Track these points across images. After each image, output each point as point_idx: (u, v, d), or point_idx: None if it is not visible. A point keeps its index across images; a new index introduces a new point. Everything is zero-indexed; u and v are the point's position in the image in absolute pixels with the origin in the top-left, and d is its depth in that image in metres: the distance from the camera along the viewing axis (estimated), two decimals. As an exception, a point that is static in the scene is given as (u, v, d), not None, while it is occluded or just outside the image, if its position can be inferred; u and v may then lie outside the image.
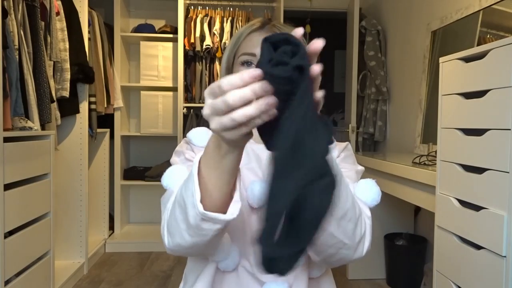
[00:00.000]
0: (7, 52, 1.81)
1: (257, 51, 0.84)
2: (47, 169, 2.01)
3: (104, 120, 3.27)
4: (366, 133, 3.26)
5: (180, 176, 0.75)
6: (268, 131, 0.46)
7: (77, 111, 2.71)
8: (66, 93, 2.46)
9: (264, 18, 0.93)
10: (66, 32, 2.47)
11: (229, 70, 0.91)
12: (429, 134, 2.44)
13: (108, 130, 3.32)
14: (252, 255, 0.82)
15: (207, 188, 0.60)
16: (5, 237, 1.64)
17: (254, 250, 0.81)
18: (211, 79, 3.30)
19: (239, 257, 0.81)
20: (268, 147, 0.48)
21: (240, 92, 0.44)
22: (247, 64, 0.86)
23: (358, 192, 0.80)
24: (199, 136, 0.89)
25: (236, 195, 0.63)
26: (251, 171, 0.85)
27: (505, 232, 1.10)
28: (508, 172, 1.09)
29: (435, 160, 1.55)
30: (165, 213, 0.71)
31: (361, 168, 0.90)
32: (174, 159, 0.89)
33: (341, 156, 0.90)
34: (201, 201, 0.59)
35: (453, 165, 1.34)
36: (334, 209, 0.59)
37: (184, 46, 3.24)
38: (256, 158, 0.87)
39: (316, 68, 0.44)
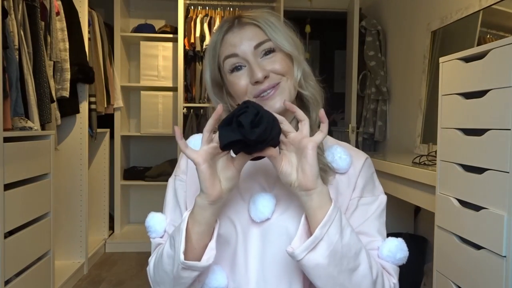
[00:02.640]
0: (7, 52, 1.81)
1: (238, 50, 0.79)
2: (47, 169, 2.01)
3: (104, 120, 3.27)
4: (366, 133, 3.26)
5: (161, 226, 0.84)
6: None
7: (77, 111, 2.71)
8: (66, 93, 2.46)
9: (230, 16, 0.88)
10: (66, 32, 2.47)
11: (219, 86, 0.86)
12: (429, 134, 2.43)
13: (108, 130, 3.32)
14: (243, 273, 0.78)
15: (191, 241, 0.72)
16: (5, 237, 1.64)
17: (245, 269, 0.78)
18: (211, 79, 3.30)
19: (226, 281, 0.79)
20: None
21: None
22: (236, 69, 0.80)
23: (385, 252, 0.77)
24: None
25: (212, 243, 0.73)
26: (256, 182, 0.82)
27: (505, 232, 1.10)
28: (508, 172, 1.09)
29: (435, 160, 1.55)
30: (151, 262, 0.82)
31: (383, 198, 0.84)
32: (169, 189, 0.88)
33: (359, 185, 0.82)
34: (185, 253, 0.71)
35: (453, 165, 1.34)
36: (342, 260, 0.69)
37: (184, 46, 3.24)
38: (263, 171, 0.83)
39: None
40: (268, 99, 0.78)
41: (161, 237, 0.84)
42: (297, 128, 0.78)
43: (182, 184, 0.86)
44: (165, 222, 0.84)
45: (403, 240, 0.79)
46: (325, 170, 0.81)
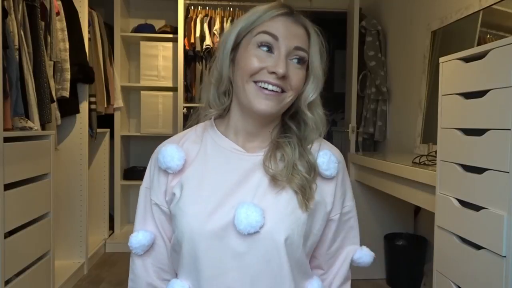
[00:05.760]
0: (7, 52, 1.81)
1: (281, 36, 0.77)
2: (47, 169, 2.01)
3: (104, 120, 3.27)
4: (366, 133, 3.26)
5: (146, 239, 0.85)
6: None
7: (77, 111, 2.71)
8: (66, 93, 2.46)
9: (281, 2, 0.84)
10: (66, 32, 2.47)
11: (236, 44, 0.81)
12: (429, 134, 2.44)
13: (108, 130, 3.32)
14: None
15: None
16: (5, 237, 1.64)
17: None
18: (211, 79, 3.30)
19: None
20: None
21: None
22: (267, 48, 0.77)
23: (360, 259, 0.88)
24: (172, 161, 0.82)
25: None
26: (239, 188, 0.79)
27: (505, 232, 1.10)
28: (508, 172, 1.09)
29: (435, 160, 1.55)
30: None
31: (354, 203, 0.90)
32: (140, 202, 0.89)
33: (337, 193, 0.84)
34: None
35: (453, 165, 1.34)
36: None
37: (184, 46, 3.24)
38: (245, 172, 0.80)
39: None
40: (265, 95, 0.77)
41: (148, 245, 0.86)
42: (278, 135, 0.83)
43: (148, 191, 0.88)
44: (147, 233, 0.85)
45: (373, 256, 0.91)
46: (309, 171, 0.81)
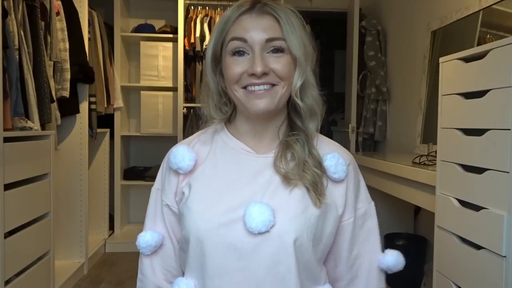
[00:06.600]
0: (7, 52, 1.81)
1: (248, 36, 0.76)
2: (47, 169, 2.01)
3: (104, 120, 3.27)
4: (366, 133, 3.25)
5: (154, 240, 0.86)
6: None
7: (77, 111, 2.71)
8: (66, 93, 2.46)
9: None
10: (66, 32, 2.47)
11: (217, 61, 0.82)
12: (429, 134, 2.43)
13: (108, 130, 3.32)
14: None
15: None
16: (5, 237, 1.64)
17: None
18: (211, 79, 3.30)
19: None
20: None
21: None
22: (238, 53, 0.77)
23: (388, 263, 0.90)
24: (183, 161, 0.81)
25: None
26: (248, 188, 0.78)
27: (505, 232, 1.10)
28: (508, 172, 1.09)
29: (435, 160, 1.55)
30: None
31: (373, 204, 0.87)
32: (151, 202, 0.89)
33: (349, 195, 0.82)
34: None
35: (453, 165, 1.34)
36: None
37: (184, 46, 3.24)
38: (254, 173, 0.80)
39: None
40: (256, 95, 0.77)
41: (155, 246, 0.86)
42: (286, 134, 0.82)
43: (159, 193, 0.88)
44: (156, 234, 0.85)
45: (400, 254, 0.89)
46: (318, 165, 0.80)
